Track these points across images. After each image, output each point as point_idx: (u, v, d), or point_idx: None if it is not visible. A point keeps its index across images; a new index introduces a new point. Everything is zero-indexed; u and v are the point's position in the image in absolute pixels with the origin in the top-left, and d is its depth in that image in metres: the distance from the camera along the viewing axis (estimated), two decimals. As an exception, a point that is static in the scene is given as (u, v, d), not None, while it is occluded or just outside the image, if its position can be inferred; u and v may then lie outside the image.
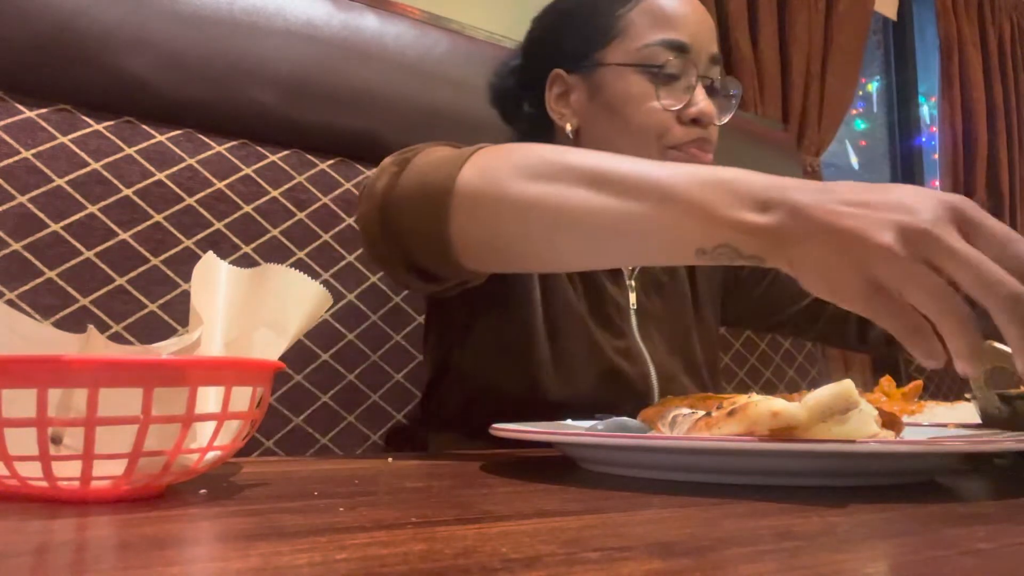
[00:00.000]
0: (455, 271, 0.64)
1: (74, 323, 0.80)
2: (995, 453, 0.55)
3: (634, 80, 0.81)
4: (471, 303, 0.80)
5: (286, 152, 0.99)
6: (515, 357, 0.79)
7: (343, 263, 0.98)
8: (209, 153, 0.93)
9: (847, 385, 0.40)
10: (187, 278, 0.52)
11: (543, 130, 0.88)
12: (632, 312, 0.86)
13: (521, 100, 0.90)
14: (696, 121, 0.80)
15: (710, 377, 0.93)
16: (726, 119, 0.86)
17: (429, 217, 0.61)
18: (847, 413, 0.40)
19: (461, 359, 0.84)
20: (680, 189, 0.51)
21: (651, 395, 0.82)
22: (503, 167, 0.59)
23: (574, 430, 0.53)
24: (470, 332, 0.82)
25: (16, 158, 0.82)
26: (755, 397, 0.43)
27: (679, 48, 0.80)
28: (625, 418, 0.56)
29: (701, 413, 0.46)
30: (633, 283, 0.88)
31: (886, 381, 0.65)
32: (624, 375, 0.82)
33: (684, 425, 0.47)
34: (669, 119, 0.80)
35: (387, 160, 0.67)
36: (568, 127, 0.85)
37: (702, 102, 0.80)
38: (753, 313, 1.05)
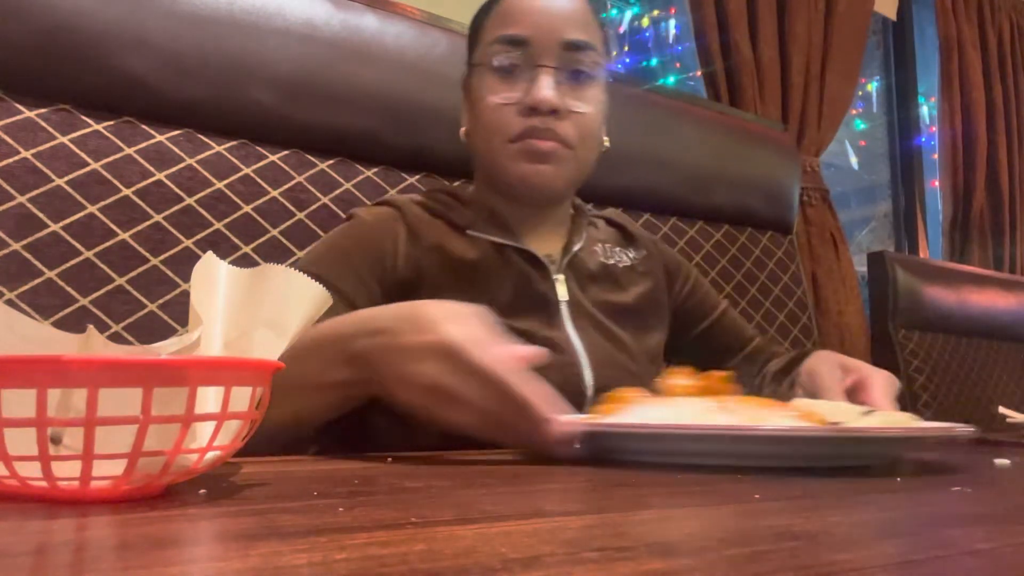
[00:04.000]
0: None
1: (74, 323, 0.80)
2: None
3: (483, 78, 0.85)
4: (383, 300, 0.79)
5: (286, 152, 0.99)
6: None
7: (343, 263, 0.98)
8: (209, 153, 0.93)
9: None
10: (187, 278, 0.51)
11: None
12: (563, 304, 0.85)
13: None
14: (535, 109, 0.81)
15: (655, 369, 0.90)
16: (587, 100, 0.84)
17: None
18: None
19: None
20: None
21: (583, 386, 0.81)
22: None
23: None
24: None
25: (16, 158, 0.82)
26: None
27: (513, 42, 0.83)
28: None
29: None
30: (561, 276, 0.87)
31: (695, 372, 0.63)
32: (550, 367, 0.80)
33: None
34: (510, 113, 0.83)
35: None
36: (462, 130, 0.90)
37: (541, 90, 0.81)
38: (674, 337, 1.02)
